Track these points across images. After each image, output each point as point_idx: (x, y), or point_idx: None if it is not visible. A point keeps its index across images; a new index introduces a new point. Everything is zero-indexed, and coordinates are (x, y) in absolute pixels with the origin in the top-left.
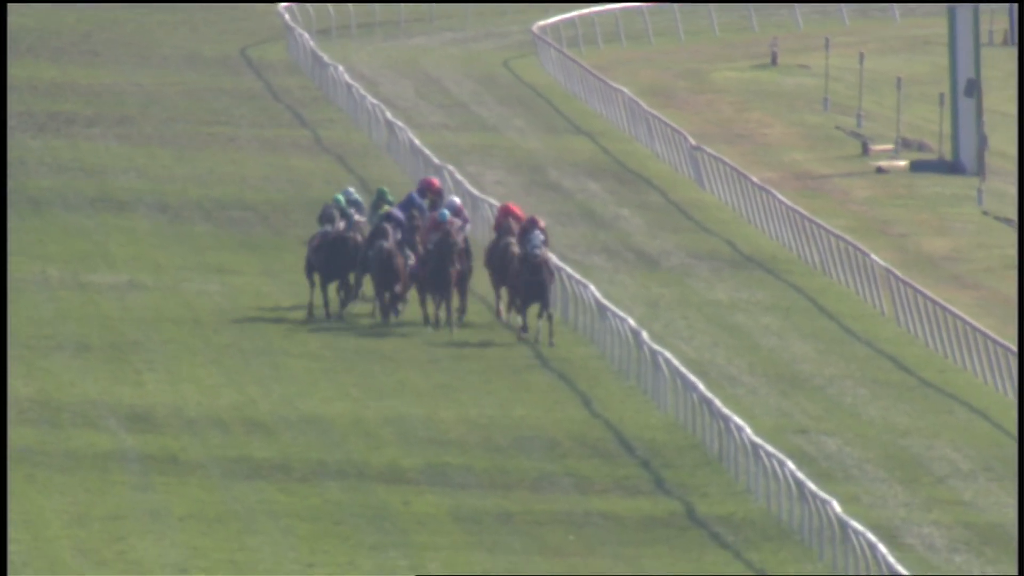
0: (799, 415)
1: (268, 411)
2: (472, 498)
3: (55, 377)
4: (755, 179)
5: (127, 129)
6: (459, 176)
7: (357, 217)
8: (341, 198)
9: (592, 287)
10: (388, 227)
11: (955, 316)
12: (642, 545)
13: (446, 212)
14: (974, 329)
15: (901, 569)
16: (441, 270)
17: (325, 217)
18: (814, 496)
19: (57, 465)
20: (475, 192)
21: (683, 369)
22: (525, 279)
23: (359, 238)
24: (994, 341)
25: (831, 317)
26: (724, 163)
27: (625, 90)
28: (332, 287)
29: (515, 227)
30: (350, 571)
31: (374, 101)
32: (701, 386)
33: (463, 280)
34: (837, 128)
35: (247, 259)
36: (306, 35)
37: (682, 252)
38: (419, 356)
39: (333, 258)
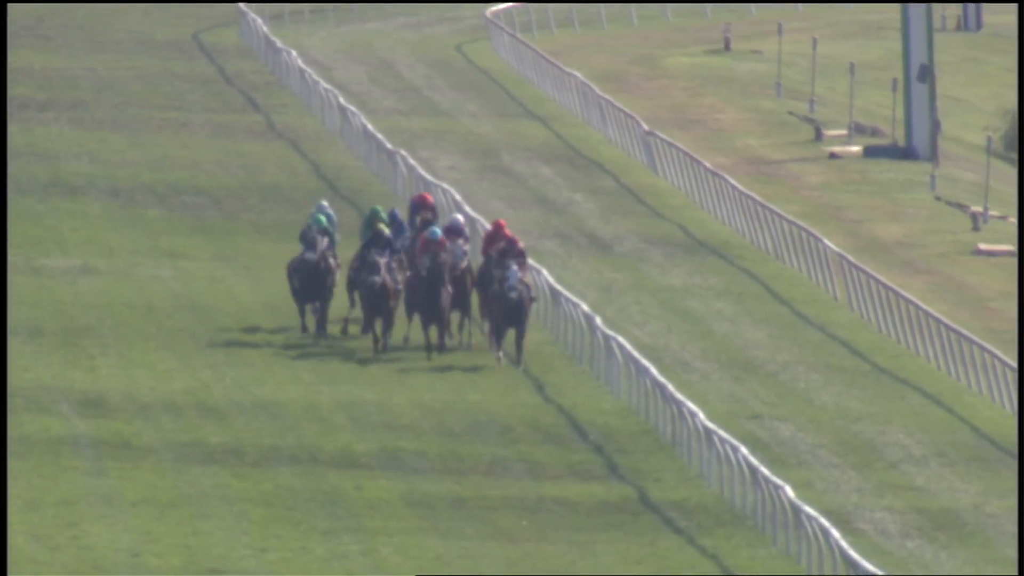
0: (752, 401)
1: (221, 396)
2: (425, 483)
3: (7, 362)
4: (708, 164)
5: (80, 114)
6: (412, 161)
7: (336, 237)
8: (322, 218)
9: (545, 272)
10: (378, 259)
11: (908, 301)
12: (595, 530)
13: (437, 231)
14: (927, 314)
15: (854, 554)
16: (433, 295)
17: (307, 242)
18: (767, 481)
19: (10, 450)
20: (428, 177)
21: (636, 354)
22: (503, 314)
23: (334, 262)
24: (947, 327)
25: (784, 302)
26: (677, 148)
27: (578, 75)
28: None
29: (519, 242)
30: (303, 556)
31: (327, 86)
32: (654, 371)
33: (456, 306)
34: (790, 113)
35: (200, 244)
36: (259, 20)
37: (635, 237)
38: (372, 342)
39: (310, 284)
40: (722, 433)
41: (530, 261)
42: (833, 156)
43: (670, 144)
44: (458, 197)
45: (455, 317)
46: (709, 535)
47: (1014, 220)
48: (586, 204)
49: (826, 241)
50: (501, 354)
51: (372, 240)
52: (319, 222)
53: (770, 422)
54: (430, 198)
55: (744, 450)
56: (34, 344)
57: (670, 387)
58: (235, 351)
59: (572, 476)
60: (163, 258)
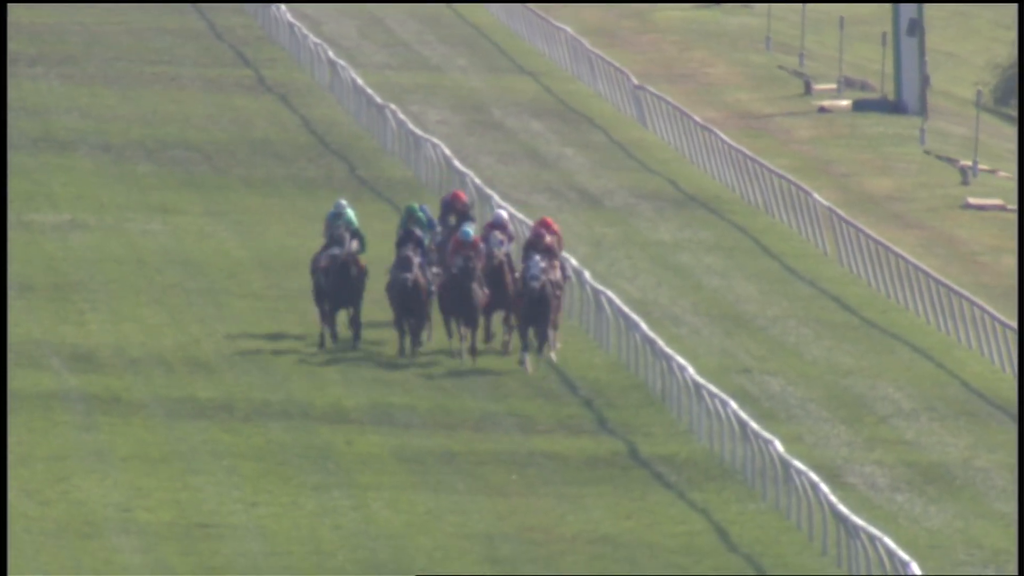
0: (742, 355)
1: (211, 351)
2: (415, 438)
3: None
4: (698, 119)
5: (70, 69)
6: (402, 116)
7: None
8: (351, 213)
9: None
10: (411, 256)
11: (897, 256)
12: (585, 485)
13: (469, 232)
14: (916, 269)
15: (843, 508)
16: (465, 296)
17: (334, 239)
18: (757, 436)
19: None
20: (418, 132)
21: (626, 309)
22: (526, 305)
23: (364, 264)
24: (936, 281)
25: (774, 257)
26: (667, 103)
27: (568, 29)
28: (342, 313)
29: (549, 240)
30: (293, 510)
31: (317, 40)
32: (644, 326)
33: (498, 306)
34: (780, 68)
35: (190, 199)
36: None
37: (625, 192)
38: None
39: (340, 287)
40: (712, 387)
41: (520, 215)
42: (822, 110)
43: (660, 98)
44: (447, 152)
45: (497, 318)
46: (699, 489)
47: (1004, 174)
48: (576, 158)
49: (816, 195)
50: (527, 361)
51: (403, 239)
52: (349, 220)
53: (760, 376)
54: (463, 196)
55: (734, 404)
56: (24, 299)
57: (660, 341)
58: (225, 306)
59: (562, 430)
60: (153, 213)
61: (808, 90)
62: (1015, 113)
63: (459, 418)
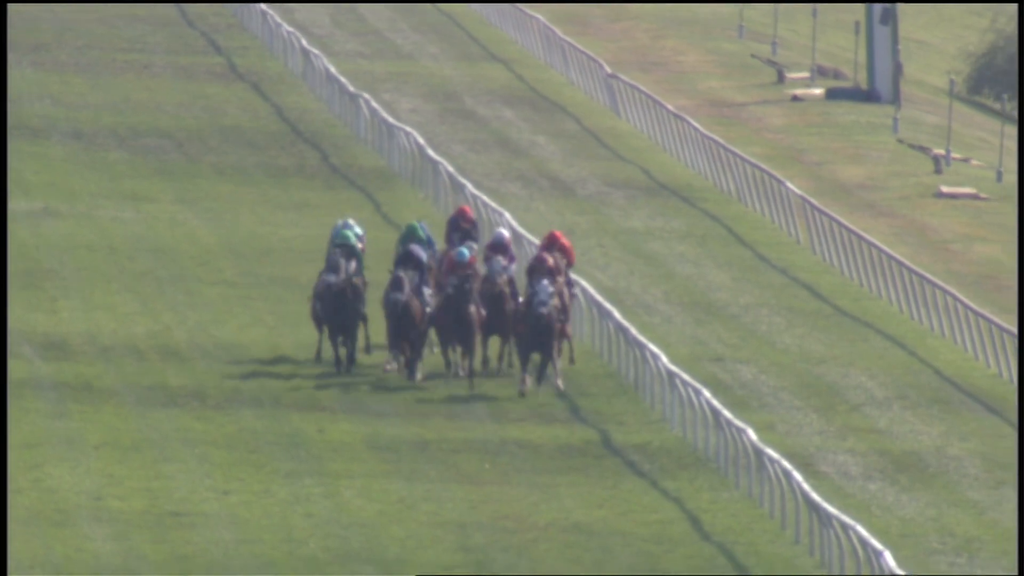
0: (715, 343)
1: (183, 339)
2: (388, 426)
3: None
4: (670, 107)
5: (41, 56)
6: (374, 104)
7: (360, 245)
8: (349, 235)
9: (507, 215)
10: (403, 276)
11: (870, 244)
12: (558, 473)
13: (465, 252)
14: (889, 257)
15: (816, 497)
16: (460, 318)
17: (330, 266)
18: (729, 424)
19: None
20: (390, 120)
21: (599, 297)
22: (530, 331)
23: (361, 283)
24: (909, 269)
25: (746, 245)
26: (639, 91)
27: (540, 17)
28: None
29: (548, 260)
30: (265, 498)
31: (289, 29)
32: (617, 314)
33: (494, 331)
34: (752, 56)
35: (162, 186)
36: None
37: (597, 180)
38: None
39: (337, 313)
40: (684, 376)
41: (492, 203)
42: (795, 99)
43: (632, 87)
44: (420, 140)
45: (494, 343)
46: (671, 478)
47: (977, 163)
48: (548, 147)
49: (788, 184)
50: (527, 383)
51: (401, 259)
52: (345, 240)
53: (732, 365)
54: (470, 212)
55: (706, 393)
56: None
57: (632, 330)
58: (197, 293)
59: (535, 419)
60: (125, 200)
61: (781, 79)
62: (988, 102)
63: (432, 407)
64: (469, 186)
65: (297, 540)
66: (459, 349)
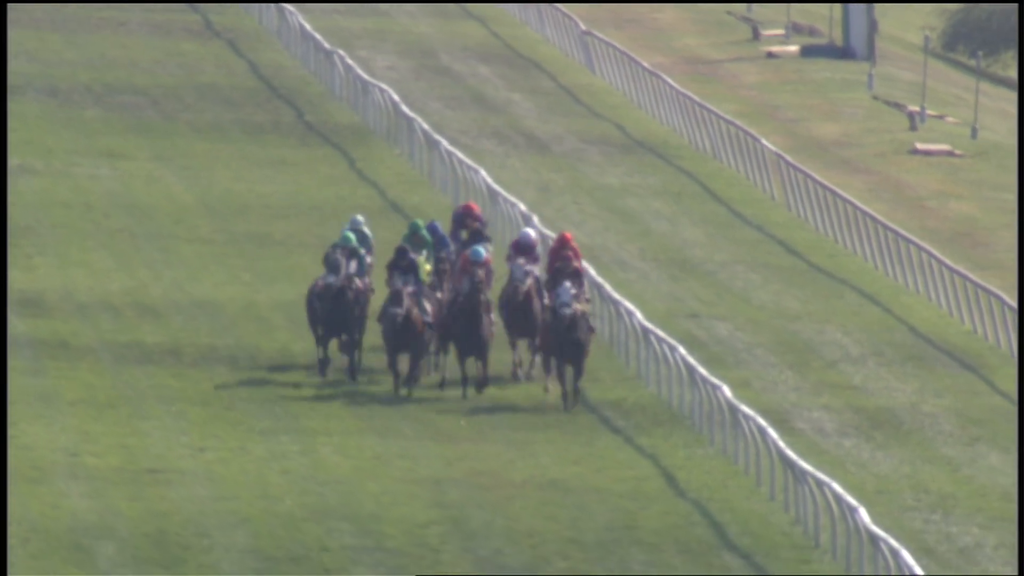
0: (690, 300)
1: (159, 296)
2: (363, 383)
3: None
4: (646, 64)
5: (16, 13)
6: (350, 61)
7: (369, 259)
8: (351, 235)
9: (483, 172)
10: (401, 287)
11: (845, 201)
12: (533, 430)
13: (481, 250)
14: (864, 214)
15: (791, 453)
16: (472, 324)
17: (331, 266)
18: (704, 381)
19: None
20: (366, 77)
21: None
22: (557, 337)
23: (363, 285)
24: (884, 226)
25: (721, 202)
26: (615, 48)
27: None
28: (334, 341)
29: (573, 260)
30: (241, 455)
31: None
32: (592, 271)
33: (524, 335)
34: (728, 13)
35: (138, 143)
36: None
37: (573, 137)
38: (310, 241)
39: (334, 314)
40: (660, 333)
41: (468, 160)
42: (771, 56)
43: (608, 44)
44: (395, 97)
45: (522, 348)
46: (646, 435)
47: (952, 119)
48: (524, 104)
49: (764, 141)
50: (550, 383)
51: (393, 262)
52: (347, 241)
53: (707, 321)
54: (476, 207)
55: (682, 350)
56: None
57: (607, 287)
58: (173, 250)
59: (510, 376)
60: (101, 158)
61: (756, 36)
62: (963, 59)
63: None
64: (444, 143)
65: (273, 497)
66: (469, 357)
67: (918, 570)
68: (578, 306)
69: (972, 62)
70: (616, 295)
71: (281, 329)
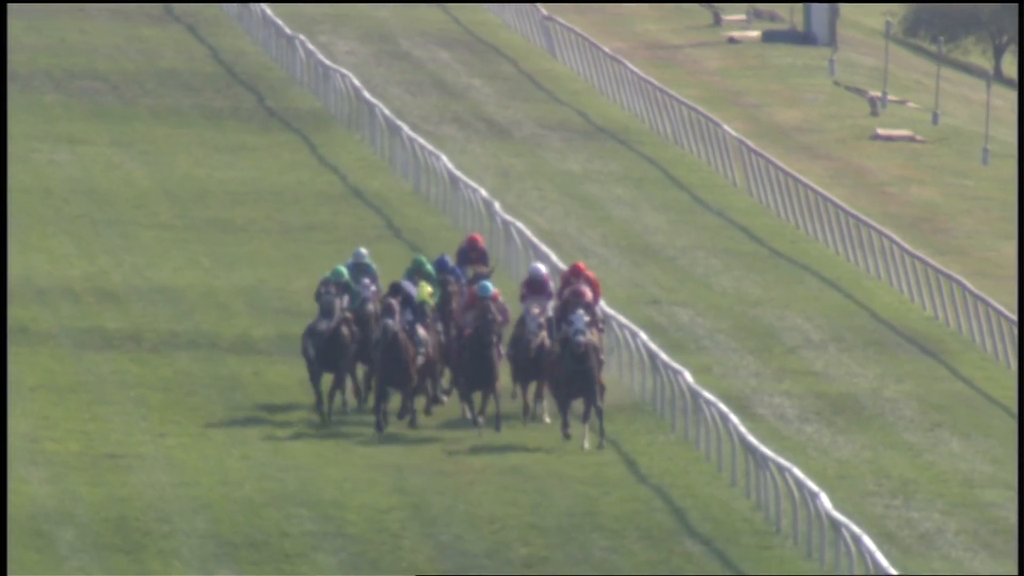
0: (651, 286)
1: (119, 281)
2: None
3: None
4: (607, 49)
5: None
6: (311, 46)
7: (373, 288)
8: (343, 271)
9: (444, 157)
10: (393, 302)
11: (806, 186)
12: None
13: (489, 286)
14: (825, 199)
15: (752, 439)
16: (484, 358)
17: (324, 308)
18: (666, 367)
19: None
20: (327, 62)
21: (535, 240)
22: (568, 369)
23: (348, 332)
24: (845, 212)
25: (683, 188)
26: (576, 33)
27: None
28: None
29: (587, 293)
30: (201, 441)
31: None
32: (553, 257)
33: (533, 377)
34: None
35: (98, 129)
36: None
37: (534, 122)
38: (271, 226)
39: (327, 355)
40: (621, 318)
41: (429, 146)
42: (732, 41)
43: (569, 29)
44: (356, 82)
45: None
46: (608, 421)
47: (913, 105)
48: (484, 89)
49: (725, 126)
50: (570, 426)
51: (390, 291)
52: (338, 276)
53: (669, 307)
54: (480, 241)
55: (643, 335)
56: None
57: (552, 256)
58: (133, 236)
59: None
60: (61, 143)
61: (717, 21)
62: (924, 44)
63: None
64: (405, 128)
65: (233, 482)
66: (477, 390)
67: (879, 555)
68: (591, 336)
69: (933, 48)
70: (560, 264)
71: (241, 315)
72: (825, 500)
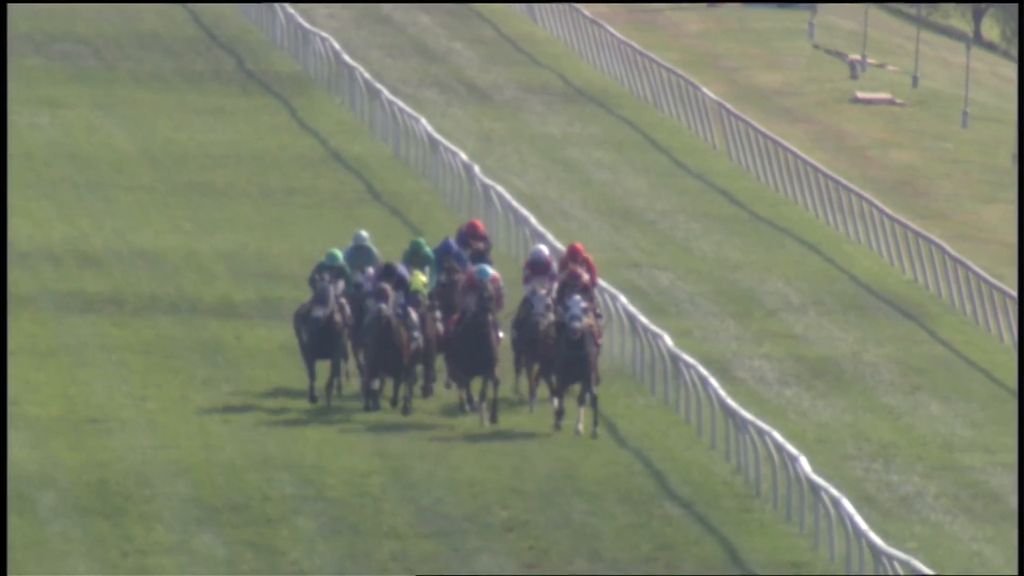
0: (631, 249)
1: (100, 245)
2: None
3: None
4: (587, 12)
5: None
6: (290, 9)
7: (370, 270)
8: (338, 255)
9: (424, 121)
10: (387, 287)
11: (786, 150)
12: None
13: (488, 270)
14: (805, 163)
15: (732, 402)
16: (482, 342)
17: (318, 295)
18: (646, 330)
19: None
20: (307, 26)
21: (515, 203)
22: (564, 354)
23: (341, 319)
24: (825, 175)
25: (663, 151)
26: None
27: None
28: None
29: (583, 276)
30: (182, 405)
31: None
32: (533, 220)
33: (535, 359)
34: None
35: (78, 92)
36: None
37: (514, 86)
38: (251, 190)
39: (321, 342)
40: (601, 282)
41: (409, 109)
42: (712, 3)
43: None
44: (336, 46)
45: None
46: None
47: (893, 68)
48: (465, 53)
49: (705, 90)
50: (561, 421)
51: (383, 273)
52: (333, 260)
53: (649, 270)
54: (481, 226)
55: (623, 299)
56: None
57: (549, 236)
58: (114, 200)
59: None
60: (41, 107)
61: None
62: (904, 7)
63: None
64: (385, 92)
65: (214, 446)
66: (479, 378)
67: (859, 519)
68: (587, 320)
69: (913, 11)
70: (558, 245)
71: (222, 278)
72: (805, 463)
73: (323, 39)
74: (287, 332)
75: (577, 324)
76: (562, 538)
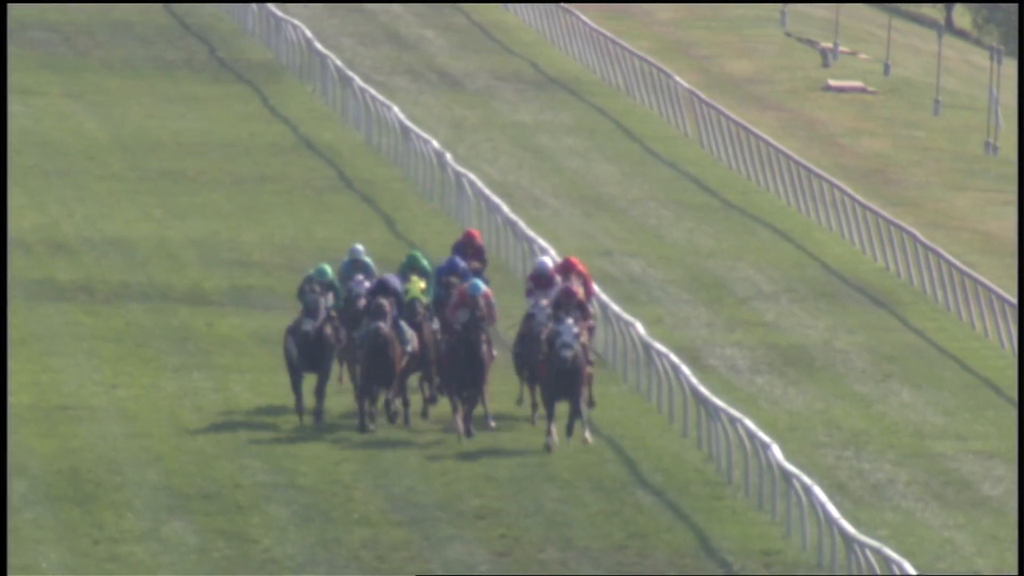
0: (603, 237)
1: (71, 233)
2: (275, 320)
3: None
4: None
5: None
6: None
7: (366, 284)
8: (327, 270)
9: (396, 108)
10: (384, 303)
11: (758, 138)
12: None
13: (480, 285)
14: (777, 151)
15: (704, 390)
16: (472, 357)
17: (308, 307)
18: (618, 318)
19: None
20: (278, 13)
21: (487, 191)
22: (552, 378)
23: (333, 332)
24: (797, 163)
25: (635, 139)
26: None
27: None
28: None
29: (578, 292)
30: (153, 392)
31: None
32: (505, 208)
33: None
34: None
35: (49, 80)
36: None
37: (486, 73)
38: (222, 178)
39: (308, 357)
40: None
41: (381, 97)
42: None
43: None
44: (308, 33)
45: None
46: None
47: (865, 56)
48: (437, 40)
49: (677, 78)
50: (554, 435)
51: (376, 288)
52: (322, 275)
53: (621, 258)
54: (478, 236)
55: (595, 286)
56: None
57: (521, 223)
58: (85, 187)
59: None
60: (12, 94)
61: None
62: None
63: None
64: (357, 79)
65: (185, 434)
66: (467, 392)
67: (830, 506)
68: (579, 345)
69: None
70: (530, 232)
71: (193, 266)
72: (776, 451)
73: (295, 27)
74: (258, 320)
75: (567, 353)
76: (534, 526)
